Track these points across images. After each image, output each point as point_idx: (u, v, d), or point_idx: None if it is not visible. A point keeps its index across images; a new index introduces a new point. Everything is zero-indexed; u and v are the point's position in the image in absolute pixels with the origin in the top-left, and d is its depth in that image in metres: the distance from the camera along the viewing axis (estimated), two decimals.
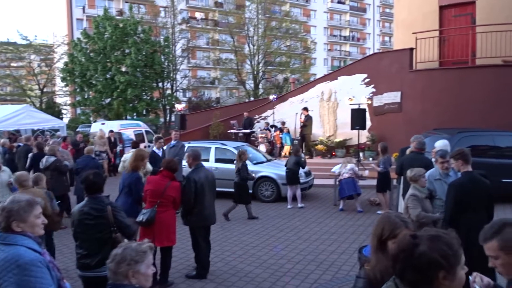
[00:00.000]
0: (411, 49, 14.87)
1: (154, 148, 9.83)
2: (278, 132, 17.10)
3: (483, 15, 14.72)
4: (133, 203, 5.69)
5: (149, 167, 8.46)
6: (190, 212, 5.88)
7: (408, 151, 8.20)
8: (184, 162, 8.85)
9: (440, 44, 15.23)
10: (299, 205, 10.39)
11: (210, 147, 12.05)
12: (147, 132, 19.94)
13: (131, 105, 29.23)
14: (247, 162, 11.35)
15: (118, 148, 16.85)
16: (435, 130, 11.79)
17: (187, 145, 11.79)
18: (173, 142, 10.65)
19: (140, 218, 5.33)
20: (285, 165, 10.78)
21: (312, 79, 34.88)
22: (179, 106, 16.51)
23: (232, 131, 18.57)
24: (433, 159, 6.11)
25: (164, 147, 10.84)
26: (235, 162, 9.86)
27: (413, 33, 14.68)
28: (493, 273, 4.47)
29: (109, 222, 3.97)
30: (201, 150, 11.78)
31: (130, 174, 5.94)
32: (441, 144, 7.09)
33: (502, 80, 13.64)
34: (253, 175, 10.26)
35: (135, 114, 30.88)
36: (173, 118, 30.48)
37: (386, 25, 71.63)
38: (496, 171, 9.93)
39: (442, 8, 15.67)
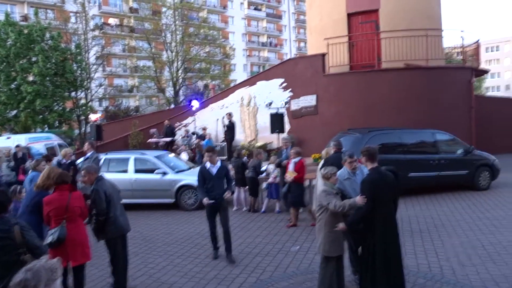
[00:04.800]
0: (323, 54, 15.60)
1: (208, 165, 7.09)
2: (199, 140, 16.98)
3: (386, 22, 15.91)
4: (39, 222, 5.30)
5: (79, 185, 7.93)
6: (105, 224, 5.61)
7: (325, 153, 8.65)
8: None
9: (349, 49, 16.17)
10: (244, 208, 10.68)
11: (129, 157, 11.61)
12: (60, 145, 18.71)
13: (41, 116, 27.27)
14: (169, 170, 11.21)
15: (28, 163, 15.61)
16: (349, 130, 12.46)
17: (103, 156, 11.31)
18: (88, 154, 10.16)
19: (49, 239, 4.91)
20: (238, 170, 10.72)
21: (232, 84, 35.17)
22: (93, 116, 15.74)
23: (152, 139, 18.11)
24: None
25: (80, 160, 10.32)
26: (246, 159, 11.25)
27: (324, 39, 15.44)
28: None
29: (16, 243, 3.74)
30: (119, 161, 11.60)
31: (40, 192, 5.53)
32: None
33: (405, 82, 14.82)
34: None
35: (46, 126, 28.87)
36: (88, 129, 28.97)
37: (301, 31, 74.48)
38: (404, 166, 10.74)
39: (350, 15, 16.67)
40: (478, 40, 18.54)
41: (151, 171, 11.26)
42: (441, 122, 13.66)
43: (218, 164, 7.03)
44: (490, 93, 74.97)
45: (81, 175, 9.59)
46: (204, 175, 6.99)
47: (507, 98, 25.25)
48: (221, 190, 6.93)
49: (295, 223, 8.82)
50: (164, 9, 38.26)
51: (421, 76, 15.11)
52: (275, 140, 14.93)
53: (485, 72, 20.88)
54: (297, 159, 8.78)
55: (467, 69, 16.23)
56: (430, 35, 15.01)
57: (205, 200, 6.96)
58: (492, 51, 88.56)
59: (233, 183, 7.57)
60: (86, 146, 10.24)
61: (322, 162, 8.47)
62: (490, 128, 17.25)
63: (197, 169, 12.52)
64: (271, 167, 10.32)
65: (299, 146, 15.81)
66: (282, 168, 9.52)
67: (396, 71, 15.08)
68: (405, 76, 15.09)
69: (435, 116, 14.31)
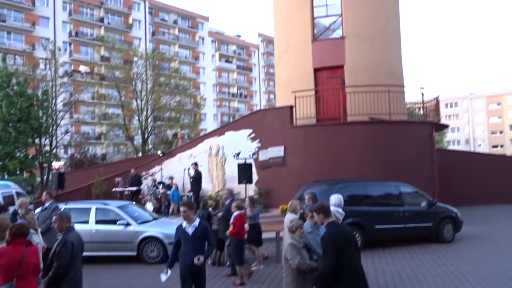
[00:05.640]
0: (291, 107, 15.97)
1: (184, 224, 5.92)
2: (165, 189, 16.69)
3: (351, 78, 16.57)
4: None
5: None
6: (62, 279, 5.25)
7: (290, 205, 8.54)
8: None
9: (316, 102, 16.62)
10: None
11: (90, 208, 11.18)
12: (18, 193, 17.86)
13: (0, 163, 26.25)
14: (132, 221, 10.83)
15: None
16: (316, 181, 12.53)
17: (63, 206, 10.85)
18: (46, 204, 9.71)
19: None
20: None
21: (202, 134, 35.27)
22: (57, 164, 15.27)
23: (117, 189, 17.62)
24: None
25: (37, 210, 9.83)
26: (214, 211, 10.79)
27: (292, 92, 15.85)
28: None
29: None
30: (80, 211, 11.12)
31: None
32: (335, 197, 7.56)
33: (370, 135, 15.23)
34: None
35: (6, 173, 27.74)
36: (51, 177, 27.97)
37: (271, 84, 76.63)
38: (369, 218, 10.81)
39: (316, 70, 17.29)
40: (438, 96, 19.47)
41: (114, 222, 10.85)
42: (405, 174, 13.96)
43: (196, 223, 5.87)
44: (451, 147, 78.08)
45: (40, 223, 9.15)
46: (179, 235, 5.91)
47: (467, 152, 26.33)
48: (198, 254, 5.67)
49: (241, 281, 8.39)
50: (135, 59, 38.69)
51: (385, 130, 15.59)
52: (243, 190, 14.82)
53: (445, 126, 21.78)
54: (236, 213, 8.61)
55: (428, 124, 16.88)
56: (393, 91, 15.67)
57: (162, 276, 5.91)
58: (451, 107, 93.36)
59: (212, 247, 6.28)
60: (44, 196, 9.80)
61: (288, 214, 8.38)
62: (451, 181, 17.78)
63: (162, 220, 12.26)
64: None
65: (267, 197, 15.86)
66: (224, 220, 9.36)
67: (361, 124, 15.53)
68: (369, 129, 15.54)
69: (399, 168, 14.64)
